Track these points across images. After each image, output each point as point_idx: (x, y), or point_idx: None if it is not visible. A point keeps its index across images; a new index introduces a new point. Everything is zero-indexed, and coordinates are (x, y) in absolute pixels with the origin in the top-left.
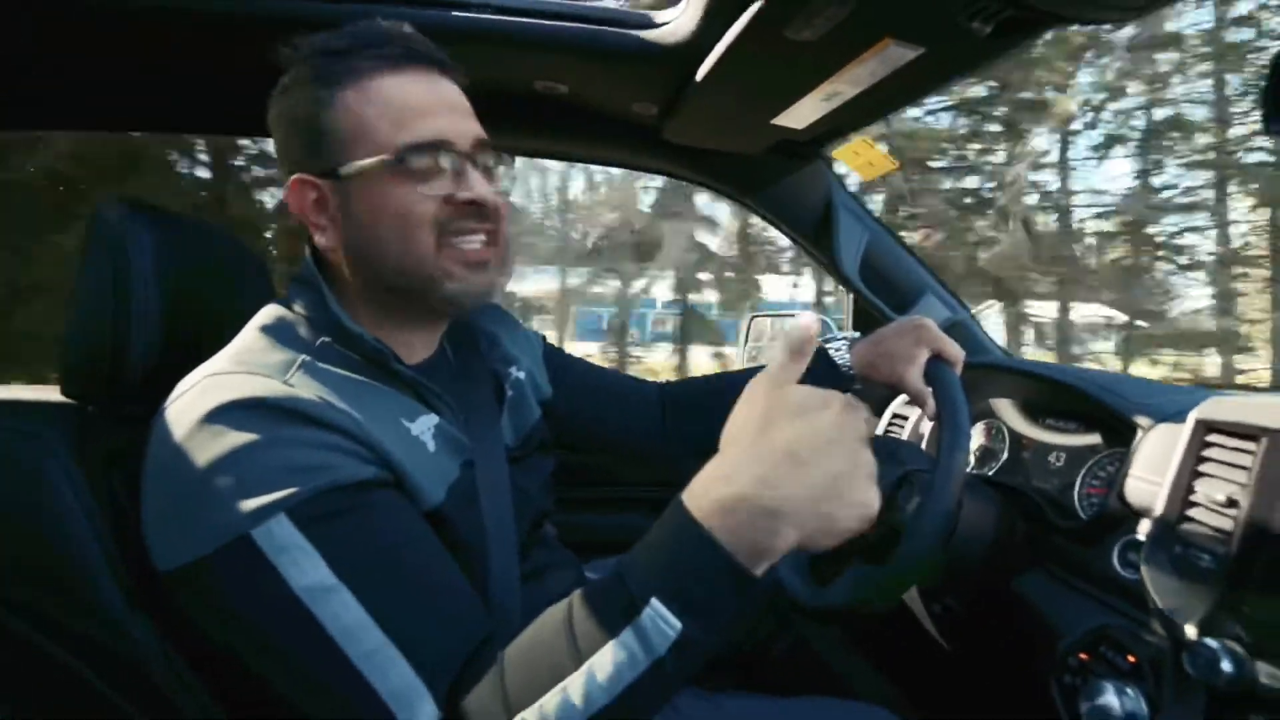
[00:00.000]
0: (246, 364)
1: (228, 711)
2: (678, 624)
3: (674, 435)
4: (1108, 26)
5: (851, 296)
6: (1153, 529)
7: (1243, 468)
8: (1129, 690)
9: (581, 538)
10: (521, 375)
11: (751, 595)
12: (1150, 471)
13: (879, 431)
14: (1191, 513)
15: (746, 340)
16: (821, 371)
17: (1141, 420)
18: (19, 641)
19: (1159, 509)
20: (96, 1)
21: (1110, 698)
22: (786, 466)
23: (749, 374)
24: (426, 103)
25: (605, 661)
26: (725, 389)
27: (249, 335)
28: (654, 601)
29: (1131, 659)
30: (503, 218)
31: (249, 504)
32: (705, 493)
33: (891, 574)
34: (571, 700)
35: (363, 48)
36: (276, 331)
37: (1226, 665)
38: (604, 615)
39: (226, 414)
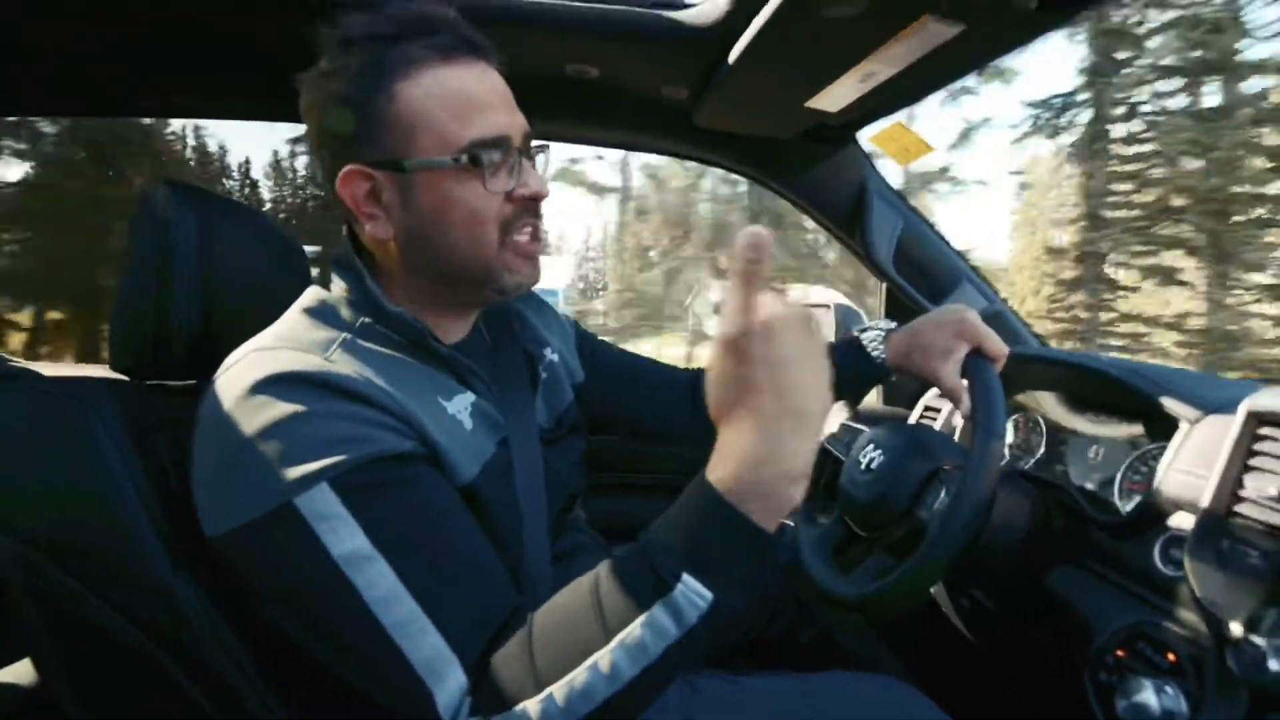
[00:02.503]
0: (289, 341)
1: (270, 675)
2: (709, 595)
3: (702, 419)
4: None
5: (884, 286)
6: (1198, 524)
7: None
8: (1168, 688)
9: (609, 523)
10: (554, 357)
11: (773, 553)
12: (1196, 465)
13: (911, 421)
14: (1240, 508)
15: None
16: (854, 361)
17: (1186, 412)
18: (66, 601)
19: (1205, 503)
20: None
21: (1148, 695)
22: (800, 425)
23: None
24: (484, 97)
25: (636, 636)
26: None
27: (292, 315)
28: (686, 577)
29: (1171, 656)
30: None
31: (292, 472)
32: (736, 474)
33: (911, 571)
34: (601, 673)
35: (414, 35)
36: (318, 312)
37: (1275, 664)
38: (634, 591)
39: (269, 387)
